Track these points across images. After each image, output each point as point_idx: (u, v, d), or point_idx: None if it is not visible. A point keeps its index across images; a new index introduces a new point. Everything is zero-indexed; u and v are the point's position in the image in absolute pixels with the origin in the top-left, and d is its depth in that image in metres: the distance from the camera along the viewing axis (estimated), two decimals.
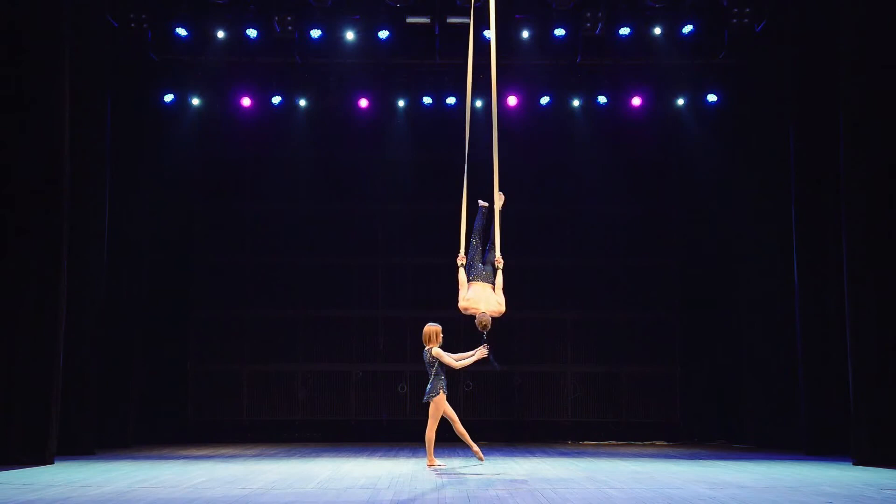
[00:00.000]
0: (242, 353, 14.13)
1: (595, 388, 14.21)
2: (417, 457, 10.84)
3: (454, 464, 9.86)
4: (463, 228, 9.36)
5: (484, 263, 9.36)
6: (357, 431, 13.93)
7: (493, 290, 9.31)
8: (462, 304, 9.27)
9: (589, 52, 13.11)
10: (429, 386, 9.40)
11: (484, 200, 9.52)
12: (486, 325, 9.15)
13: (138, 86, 13.11)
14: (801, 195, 11.70)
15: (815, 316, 11.49)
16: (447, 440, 13.47)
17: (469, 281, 9.31)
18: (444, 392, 9.38)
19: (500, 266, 9.33)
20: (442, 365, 9.43)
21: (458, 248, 9.36)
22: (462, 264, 9.35)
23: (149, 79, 13.41)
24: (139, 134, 13.10)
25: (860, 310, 10.06)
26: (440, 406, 9.36)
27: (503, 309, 9.32)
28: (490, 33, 9.60)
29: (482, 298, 9.23)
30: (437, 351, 9.40)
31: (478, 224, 9.49)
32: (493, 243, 9.33)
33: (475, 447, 9.60)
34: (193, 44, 12.95)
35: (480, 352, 9.28)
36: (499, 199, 9.41)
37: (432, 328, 9.50)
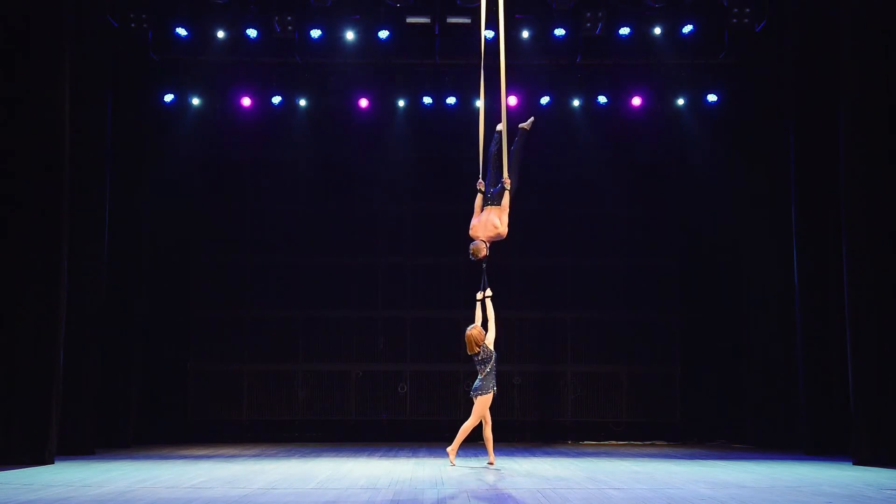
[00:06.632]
0: (242, 353, 14.13)
1: (595, 388, 14.21)
2: (417, 457, 10.84)
3: (454, 464, 9.85)
4: (480, 153, 9.63)
5: (495, 187, 9.46)
6: (357, 431, 13.93)
7: (500, 212, 9.39)
8: (470, 231, 9.49)
9: (589, 52, 13.10)
10: (479, 382, 9.34)
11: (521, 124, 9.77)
12: (475, 254, 9.33)
13: (138, 86, 13.09)
14: (801, 195, 11.70)
15: (815, 316, 11.49)
16: (447, 440, 13.48)
17: (484, 206, 9.51)
18: (493, 391, 9.36)
19: (508, 186, 9.39)
20: (496, 363, 9.38)
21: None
22: (481, 190, 9.52)
23: (149, 79, 13.39)
24: (139, 134, 13.08)
25: (860, 310, 10.06)
26: (486, 404, 9.34)
27: (501, 230, 9.42)
28: (497, 33, 9.69)
29: (482, 223, 9.41)
30: (488, 340, 9.38)
31: (492, 149, 9.59)
32: (502, 166, 9.43)
33: (493, 453, 9.66)
34: (193, 44, 12.95)
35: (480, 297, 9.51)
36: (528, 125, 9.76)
37: (473, 331, 9.40)
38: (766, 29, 12.31)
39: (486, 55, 9.92)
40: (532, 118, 10.03)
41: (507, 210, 9.44)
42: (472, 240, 9.49)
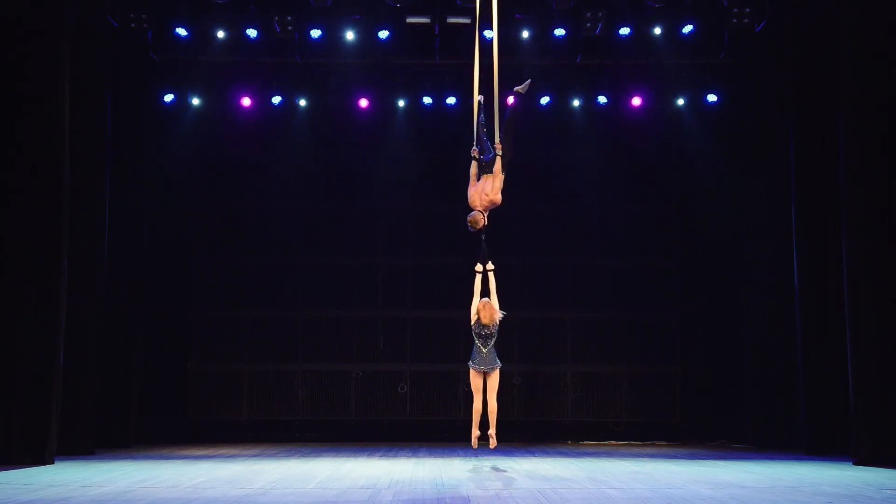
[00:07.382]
0: (242, 353, 14.13)
1: (595, 388, 14.20)
2: (417, 457, 10.84)
3: (454, 463, 9.86)
4: (475, 124, 9.63)
5: (488, 155, 9.46)
6: (357, 431, 13.93)
7: (493, 179, 9.39)
8: (468, 201, 9.47)
9: (589, 52, 13.09)
10: (493, 356, 9.35)
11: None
12: (474, 225, 9.32)
13: (138, 86, 13.07)
14: (801, 195, 11.70)
15: (815, 316, 11.49)
16: (447, 440, 13.49)
17: (480, 176, 9.49)
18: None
19: (500, 152, 9.38)
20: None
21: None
22: (475, 157, 9.51)
23: (149, 79, 13.38)
24: (139, 134, 13.06)
25: (860, 310, 10.05)
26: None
27: (493, 197, 9.36)
28: (492, 33, 9.67)
29: (478, 192, 9.38)
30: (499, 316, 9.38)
31: (480, 119, 9.58)
32: (493, 132, 9.43)
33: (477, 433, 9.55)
34: (194, 44, 12.94)
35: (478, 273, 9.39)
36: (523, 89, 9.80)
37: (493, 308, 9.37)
38: (766, 29, 12.30)
39: (485, 54, 9.90)
40: (529, 80, 9.95)
41: (501, 177, 9.38)
42: (470, 210, 9.43)
